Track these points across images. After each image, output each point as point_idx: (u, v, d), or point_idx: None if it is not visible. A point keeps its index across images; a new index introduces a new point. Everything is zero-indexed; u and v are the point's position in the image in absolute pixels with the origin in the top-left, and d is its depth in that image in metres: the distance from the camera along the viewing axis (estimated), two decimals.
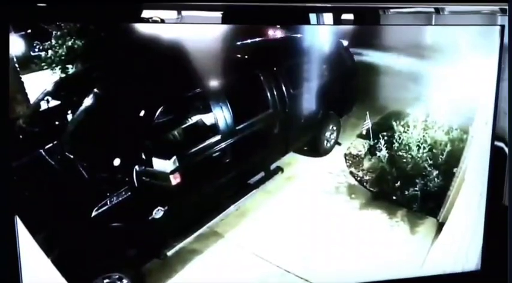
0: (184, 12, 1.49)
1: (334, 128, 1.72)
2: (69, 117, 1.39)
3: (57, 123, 1.40)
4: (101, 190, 1.36)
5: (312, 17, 1.57)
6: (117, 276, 1.43)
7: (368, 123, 1.63)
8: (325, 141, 1.72)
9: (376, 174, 1.66)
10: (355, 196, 1.66)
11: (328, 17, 1.59)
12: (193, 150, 1.45)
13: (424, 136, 1.64)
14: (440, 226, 1.68)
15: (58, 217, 1.35)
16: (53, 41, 1.34)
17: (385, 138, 1.64)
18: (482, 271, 1.70)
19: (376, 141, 1.64)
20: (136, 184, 1.38)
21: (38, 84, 1.35)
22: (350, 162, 1.69)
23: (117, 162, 1.36)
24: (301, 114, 1.63)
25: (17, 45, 1.30)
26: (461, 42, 1.58)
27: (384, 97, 1.64)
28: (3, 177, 1.33)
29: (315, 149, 1.72)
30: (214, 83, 1.47)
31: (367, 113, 1.62)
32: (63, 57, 1.35)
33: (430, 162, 1.64)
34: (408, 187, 1.65)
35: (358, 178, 1.68)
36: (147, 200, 1.42)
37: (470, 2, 1.66)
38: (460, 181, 1.66)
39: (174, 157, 1.39)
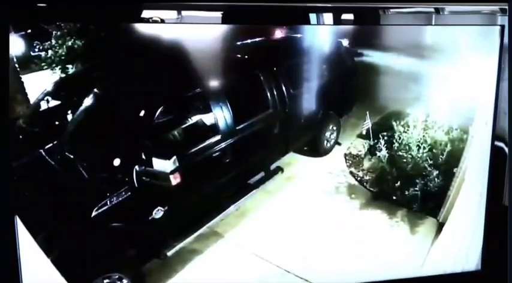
0: (184, 12, 1.49)
1: (334, 128, 1.72)
2: (69, 117, 1.39)
3: (57, 123, 1.40)
4: (101, 190, 1.36)
5: (312, 17, 1.57)
6: (117, 276, 1.43)
7: (368, 123, 1.63)
8: (325, 141, 1.72)
9: (376, 174, 1.66)
10: (355, 196, 1.66)
11: (328, 17, 1.59)
12: (193, 150, 1.45)
13: (424, 136, 1.64)
14: (440, 227, 1.68)
15: (58, 217, 1.35)
16: (53, 41, 1.34)
17: (385, 138, 1.64)
18: (482, 272, 1.70)
19: (376, 141, 1.64)
20: (136, 185, 1.38)
21: (38, 84, 1.35)
22: (350, 162, 1.69)
23: (117, 162, 1.36)
24: (301, 114, 1.63)
25: (17, 45, 1.30)
26: (461, 42, 1.58)
27: (383, 97, 1.64)
28: (3, 177, 1.33)
29: (315, 149, 1.72)
30: (214, 83, 1.47)
31: (367, 112, 1.62)
32: (63, 57, 1.35)
33: (430, 162, 1.64)
34: (408, 187, 1.65)
35: (358, 178, 1.68)
36: (147, 200, 1.42)
37: (470, 2, 1.66)
38: (460, 181, 1.66)
39: (174, 157, 1.39)
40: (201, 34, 1.42)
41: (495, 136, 1.64)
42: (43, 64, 1.34)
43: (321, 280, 1.60)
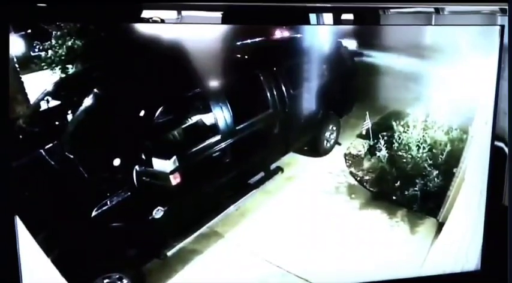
0: (184, 12, 1.49)
1: (334, 128, 1.72)
2: (69, 117, 1.39)
3: (57, 123, 1.40)
4: (101, 190, 1.37)
5: (312, 17, 1.57)
6: (117, 276, 1.43)
7: (368, 123, 1.63)
8: (325, 141, 1.72)
9: (376, 174, 1.66)
10: (355, 196, 1.66)
11: (328, 17, 1.59)
12: (193, 150, 1.45)
13: (423, 136, 1.64)
14: (440, 226, 1.68)
15: (58, 217, 1.35)
16: (53, 41, 1.34)
17: (385, 138, 1.64)
18: (482, 272, 1.70)
19: (376, 141, 1.64)
20: (136, 184, 1.38)
21: (38, 84, 1.35)
22: (350, 162, 1.69)
23: (117, 162, 1.36)
24: (301, 114, 1.63)
25: (17, 45, 1.30)
26: (461, 42, 1.58)
27: (383, 97, 1.64)
28: (3, 177, 1.33)
29: (315, 149, 1.72)
30: (214, 83, 1.47)
31: (367, 112, 1.62)
32: (63, 57, 1.35)
33: (430, 162, 1.64)
34: (408, 187, 1.65)
35: (358, 178, 1.68)
36: (147, 200, 1.42)
37: (470, 2, 1.66)
38: (460, 181, 1.66)
39: (174, 157, 1.39)
40: (201, 34, 1.42)
41: (495, 136, 1.64)
42: (43, 64, 1.34)
43: (321, 280, 1.60)
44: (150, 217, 1.42)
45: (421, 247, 1.67)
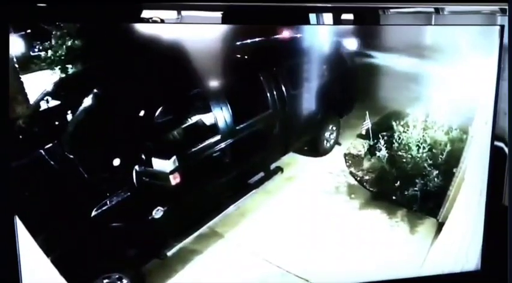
0: (184, 12, 1.49)
1: (334, 128, 1.72)
2: (69, 117, 1.39)
3: (57, 123, 1.40)
4: (101, 190, 1.37)
5: (312, 17, 1.57)
6: (117, 276, 1.43)
7: (368, 123, 1.63)
8: (325, 141, 1.72)
9: (376, 174, 1.66)
10: (355, 196, 1.66)
11: (328, 17, 1.59)
12: (193, 150, 1.45)
13: (423, 136, 1.64)
14: (440, 226, 1.68)
15: (58, 217, 1.35)
16: (53, 41, 1.34)
17: (385, 138, 1.64)
18: (482, 271, 1.70)
19: (375, 141, 1.64)
20: (136, 184, 1.38)
21: (38, 84, 1.35)
22: (350, 162, 1.69)
23: (116, 162, 1.36)
24: (301, 114, 1.63)
25: (16, 45, 1.30)
26: (461, 42, 1.58)
27: (383, 97, 1.64)
28: (3, 177, 1.33)
29: (315, 149, 1.72)
30: (214, 83, 1.47)
31: (367, 112, 1.62)
32: (62, 57, 1.35)
33: (430, 162, 1.64)
34: (408, 187, 1.65)
35: (358, 178, 1.68)
36: (147, 200, 1.42)
37: (470, 2, 1.66)
38: (460, 181, 1.66)
39: (174, 157, 1.39)
40: (200, 34, 1.42)
41: (495, 136, 1.64)
42: (43, 64, 1.34)
43: (321, 280, 1.60)
44: (150, 217, 1.42)
45: (421, 247, 1.67)
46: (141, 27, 1.38)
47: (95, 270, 1.41)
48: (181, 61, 1.40)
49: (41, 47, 1.34)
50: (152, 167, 1.38)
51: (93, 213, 1.35)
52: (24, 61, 1.32)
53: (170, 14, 1.48)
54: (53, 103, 1.38)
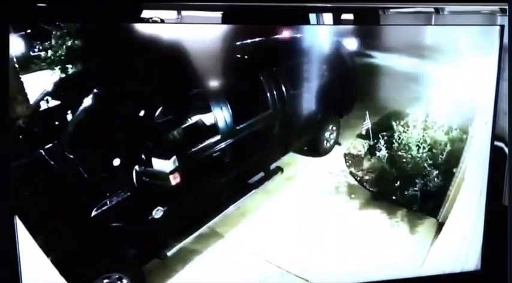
0: (184, 12, 1.49)
1: (334, 128, 1.72)
2: (69, 117, 1.39)
3: (57, 123, 1.40)
4: (101, 190, 1.37)
5: (312, 17, 1.57)
6: (117, 276, 1.43)
7: (368, 123, 1.63)
8: (325, 141, 1.72)
9: (376, 174, 1.66)
10: (355, 196, 1.66)
11: (328, 17, 1.59)
12: (193, 150, 1.45)
13: (423, 136, 1.64)
14: (440, 226, 1.68)
15: (58, 217, 1.35)
16: (53, 41, 1.34)
17: (385, 138, 1.64)
18: (482, 271, 1.70)
19: (375, 141, 1.64)
20: (136, 184, 1.38)
21: (38, 84, 1.35)
22: (350, 162, 1.69)
23: (116, 162, 1.36)
24: (301, 114, 1.63)
25: (16, 45, 1.30)
26: (461, 42, 1.58)
27: (383, 97, 1.64)
28: (3, 177, 1.33)
29: (315, 149, 1.72)
30: (214, 83, 1.47)
31: (367, 112, 1.62)
32: (62, 57, 1.35)
33: (430, 162, 1.64)
34: (408, 187, 1.65)
35: (358, 178, 1.68)
36: (147, 200, 1.42)
37: (470, 2, 1.66)
38: (460, 181, 1.66)
39: (174, 157, 1.39)
40: (200, 34, 1.42)
41: (495, 136, 1.64)
42: (43, 64, 1.34)
43: (321, 280, 1.60)
44: (150, 217, 1.42)
45: (421, 247, 1.67)
46: (141, 27, 1.38)
47: (95, 270, 1.41)
48: (181, 61, 1.40)
49: (41, 47, 1.34)
50: (152, 167, 1.38)
51: (93, 213, 1.35)
52: (24, 61, 1.32)
53: (170, 14, 1.48)
54: (53, 103, 1.38)
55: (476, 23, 1.63)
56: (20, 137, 1.35)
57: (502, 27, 1.57)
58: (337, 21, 1.59)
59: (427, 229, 1.68)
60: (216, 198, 1.57)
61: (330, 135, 1.72)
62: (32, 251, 1.32)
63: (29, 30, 1.33)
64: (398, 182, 1.65)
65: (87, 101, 1.38)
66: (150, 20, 1.44)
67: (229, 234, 1.57)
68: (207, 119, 1.48)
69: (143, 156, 1.38)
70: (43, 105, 1.38)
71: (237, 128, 1.52)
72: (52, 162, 1.38)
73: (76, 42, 1.36)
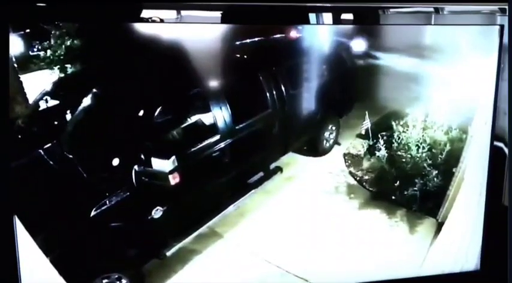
0: (183, 12, 1.49)
1: (334, 128, 1.72)
2: (68, 117, 1.39)
3: (56, 123, 1.40)
4: (100, 190, 1.36)
5: (312, 16, 1.57)
6: (116, 276, 1.43)
7: (367, 123, 1.63)
8: (325, 141, 1.72)
9: (376, 174, 1.66)
10: (355, 196, 1.66)
11: (327, 17, 1.59)
12: (192, 149, 1.45)
13: (423, 136, 1.64)
14: (439, 226, 1.68)
15: (57, 217, 1.35)
16: (52, 41, 1.34)
17: (385, 138, 1.64)
18: (482, 271, 1.70)
19: (375, 141, 1.64)
20: (135, 184, 1.38)
21: (37, 84, 1.35)
22: (349, 162, 1.69)
23: (116, 162, 1.36)
24: (301, 114, 1.63)
25: (16, 45, 1.30)
26: (460, 42, 1.58)
27: (383, 97, 1.64)
28: (2, 177, 1.32)
29: (314, 149, 1.72)
30: (213, 83, 1.47)
31: (367, 112, 1.62)
32: (62, 57, 1.35)
33: (430, 161, 1.64)
34: (407, 187, 1.65)
35: (358, 178, 1.68)
36: (146, 200, 1.42)
37: (470, 2, 1.66)
38: (460, 181, 1.66)
39: (173, 157, 1.38)
40: (200, 34, 1.42)
41: (494, 136, 1.64)
42: (42, 64, 1.34)
43: (320, 280, 1.59)
44: (149, 217, 1.42)
45: (421, 247, 1.67)
46: (140, 27, 1.38)
47: (94, 270, 1.41)
48: (180, 61, 1.40)
49: (40, 47, 1.33)
50: (151, 167, 1.38)
51: (93, 213, 1.35)
52: (23, 61, 1.32)
53: (170, 14, 1.48)
54: (52, 103, 1.38)
55: (476, 23, 1.63)
56: (19, 136, 1.35)
57: (502, 27, 1.57)
58: (336, 21, 1.59)
59: (426, 229, 1.68)
60: (215, 198, 1.57)
61: (329, 135, 1.72)
62: (31, 251, 1.32)
63: (28, 30, 1.33)
64: (398, 182, 1.65)
65: (86, 101, 1.38)
66: (150, 20, 1.44)
67: (228, 234, 1.57)
68: (207, 118, 1.48)
69: (142, 156, 1.37)
70: (42, 105, 1.38)
71: (237, 127, 1.52)
72: (51, 162, 1.38)
73: (75, 41, 1.35)
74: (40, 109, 1.38)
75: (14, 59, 1.30)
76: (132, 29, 1.37)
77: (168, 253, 1.49)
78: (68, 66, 1.36)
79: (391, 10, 1.66)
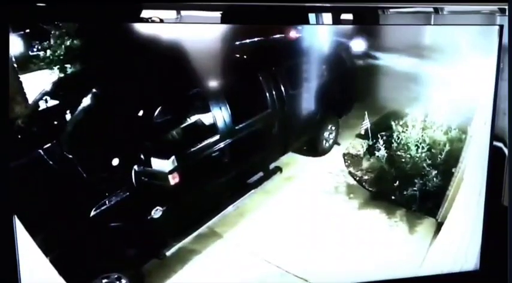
0: (183, 12, 1.49)
1: (333, 128, 1.72)
2: (68, 117, 1.39)
3: (55, 122, 1.40)
4: (100, 190, 1.36)
5: (312, 16, 1.57)
6: (115, 276, 1.43)
7: (367, 123, 1.63)
8: (324, 141, 1.72)
9: (375, 174, 1.66)
10: (354, 196, 1.66)
11: (327, 17, 1.59)
12: (192, 150, 1.45)
13: (422, 136, 1.64)
14: (439, 226, 1.68)
15: (56, 217, 1.35)
16: (52, 41, 1.34)
17: (384, 138, 1.64)
18: (481, 271, 1.70)
19: (374, 141, 1.64)
20: (135, 184, 1.38)
21: (37, 83, 1.35)
22: (349, 162, 1.69)
23: (115, 162, 1.36)
24: (300, 114, 1.63)
25: (16, 45, 1.30)
26: (460, 42, 1.58)
27: (382, 97, 1.64)
28: (1, 176, 1.32)
29: (314, 149, 1.72)
30: (213, 83, 1.47)
31: (366, 112, 1.62)
32: (61, 57, 1.35)
33: (429, 161, 1.64)
34: (407, 187, 1.65)
35: (357, 178, 1.68)
36: (146, 200, 1.42)
37: (470, 2, 1.66)
38: (459, 181, 1.66)
39: (173, 157, 1.38)
40: (200, 34, 1.42)
41: (494, 136, 1.64)
42: (42, 64, 1.34)
43: (320, 280, 1.60)
44: (148, 217, 1.42)
45: (420, 247, 1.67)
46: (140, 27, 1.38)
47: (94, 270, 1.41)
48: (180, 61, 1.40)
49: (40, 47, 1.33)
50: (151, 167, 1.38)
51: (92, 213, 1.35)
52: (23, 61, 1.32)
53: (169, 14, 1.48)
54: (52, 103, 1.38)
55: (476, 23, 1.63)
56: (19, 136, 1.35)
57: (501, 27, 1.57)
58: (336, 21, 1.59)
59: (426, 229, 1.68)
60: (215, 198, 1.57)
61: (329, 135, 1.72)
62: (30, 251, 1.32)
63: (28, 30, 1.33)
64: (398, 182, 1.65)
65: (86, 101, 1.38)
66: (149, 20, 1.44)
67: (228, 234, 1.57)
68: (206, 118, 1.48)
69: (142, 156, 1.37)
70: (42, 105, 1.38)
71: (236, 127, 1.52)
72: (51, 162, 1.38)
73: (75, 41, 1.36)
74: (40, 109, 1.38)
75: (13, 59, 1.30)
76: (132, 29, 1.37)
77: (168, 253, 1.49)
78: (68, 66, 1.36)
79: (391, 10, 1.66)
